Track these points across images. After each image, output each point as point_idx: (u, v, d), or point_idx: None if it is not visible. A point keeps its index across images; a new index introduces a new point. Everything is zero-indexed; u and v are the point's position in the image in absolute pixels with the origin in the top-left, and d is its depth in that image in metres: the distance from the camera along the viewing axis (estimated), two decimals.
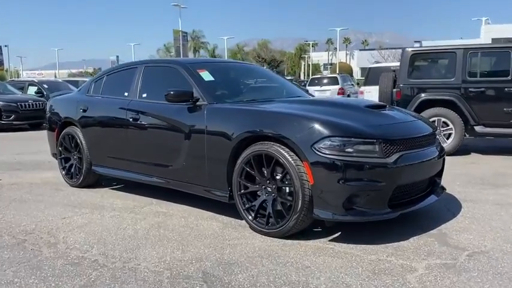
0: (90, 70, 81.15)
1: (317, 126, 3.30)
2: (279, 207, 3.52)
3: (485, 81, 7.33)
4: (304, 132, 3.31)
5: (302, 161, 3.29)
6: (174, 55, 41.38)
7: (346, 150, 3.22)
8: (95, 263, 3.11)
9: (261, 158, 3.54)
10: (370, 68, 11.79)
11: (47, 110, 6.08)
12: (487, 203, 4.46)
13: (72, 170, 5.52)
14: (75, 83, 18.36)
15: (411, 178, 3.48)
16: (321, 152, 3.22)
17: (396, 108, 4.30)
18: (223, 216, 4.11)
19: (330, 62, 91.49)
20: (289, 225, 3.39)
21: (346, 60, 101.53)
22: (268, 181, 3.57)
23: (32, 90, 15.81)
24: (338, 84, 18.62)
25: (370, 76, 11.31)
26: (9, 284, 2.80)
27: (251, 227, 3.67)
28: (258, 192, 3.69)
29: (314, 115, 3.46)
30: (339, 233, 3.59)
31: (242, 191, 3.70)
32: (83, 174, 5.34)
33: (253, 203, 3.66)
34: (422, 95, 7.61)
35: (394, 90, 7.84)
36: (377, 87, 10.12)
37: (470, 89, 7.34)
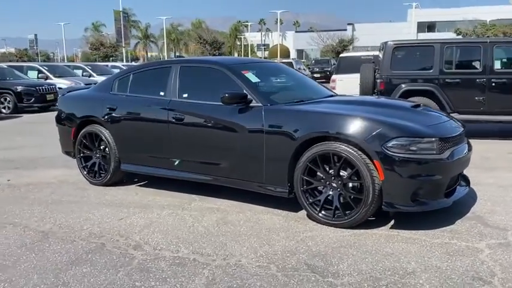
0: (12, 50, 75.28)
1: (386, 128, 3.71)
2: (341, 200, 3.91)
3: (460, 73, 8.14)
4: (374, 134, 3.70)
5: (373, 160, 3.68)
6: (115, 36, 39.84)
7: (411, 148, 3.66)
8: (196, 262, 3.32)
9: (326, 157, 3.89)
10: (341, 57, 12.41)
11: (59, 107, 5.94)
12: (491, 186, 5.14)
13: (96, 168, 5.51)
14: (20, 69, 17.34)
15: (457, 171, 4.01)
16: (390, 151, 3.64)
17: (428, 108, 4.79)
18: (276, 210, 4.42)
19: (263, 42, 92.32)
20: (358, 217, 3.80)
21: (279, 41, 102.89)
22: (333, 177, 3.93)
23: (32, 74, 17.29)
24: (293, 68, 19.10)
25: (342, 65, 11.93)
26: None
27: (316, 220, 4.02)
28: (319, 188, 4.05)
29: (380, 117, 3.86)
30: (392, 221, 4.04)
31: (305, 187, 4.04)
32: (111, 172, 5.36)
33: (317, 198, 4.01)
34: (403, 85, 8.28)
35: (378, 81, 8.45)
36: (349, 75, 10.77)
37: (446, 80, 8.11)
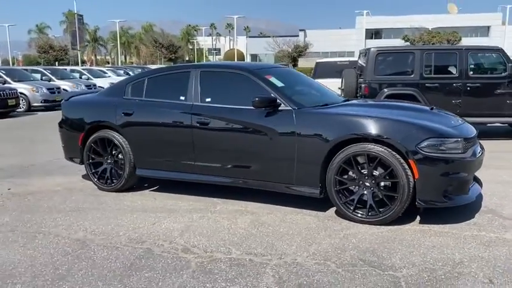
0: None
1: (419, 129, 3.97)
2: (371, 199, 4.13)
3: (438, 78, 8.68)
4: (408, 135, 3.95)
5: (407, 159, 3.92)
6: (69, 39, 38.26)
7: (441, 148, 3.94)
8: (253, 262, 3.40)
9: (359, 157, 4.10)
10: (317, 62, 12.76)
11: (64, 112, 5.78)
12: (491, 183, 5.52)
13: (107, 174, 5.41)
14: None
15: (477, 169, 4.34)
16: (423, 151, 3.90)
17: (443, 111, 5.10)
18: (304, 210, 4.57)
19: (214, 47, 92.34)
20: (392, 214, 4.03)
21: (229, 46, 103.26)
22: (366, 177, 4.14)
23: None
24: None
25: (319, 70, 12.28)
26: None
27: (349, 218, 4.21)
28: (350, 188, 4.24)
29: (411, 120, 4.13)
30: (418, 217, 4.30)
31: (338, 187, 4.22)
32: (125, 178, 5.29)
33: (351, 197, 4.20)
34: (386, 90, 8.70)
35: (363, 85, 8.82)
36: (326, 80, 11.11)
37: (426, 85, 8.62)
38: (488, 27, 59.10)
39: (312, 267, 3.29)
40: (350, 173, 4.23)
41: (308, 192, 4.39)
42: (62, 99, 6.24)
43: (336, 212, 4.43)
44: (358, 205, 4.20)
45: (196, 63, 6.43)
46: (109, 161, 5.44)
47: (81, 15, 36.00)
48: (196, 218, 4.42)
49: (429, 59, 8.68)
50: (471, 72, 8.60)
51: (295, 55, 40.44)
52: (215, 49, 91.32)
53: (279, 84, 4.75)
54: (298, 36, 56.45)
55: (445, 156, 3.94)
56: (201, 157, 4.84)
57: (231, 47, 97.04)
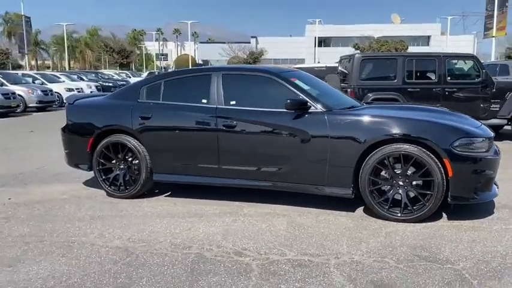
0: None
1: (451, 130, 4.18)
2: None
3: (419, 83, 9.11)
4: (441, 135, 4.14)
5: (442, 158, 4.11)
6: (16, 43, 36.08)
7: (470, 147, 4.17)
8: (312, 262, 3.42)
9: (394, 157, 4.24)
10: (296, 67, 12.94)
11: (70, 116, 5.51)
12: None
13: (121, 180, 5.22)
14: None
15: (498, 168, 4.61)
16: (456, 150, 4.10)
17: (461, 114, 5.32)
18: (333, 211, 4.63)
19: (161, 52, 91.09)
20: (427, 212, 4.20)
21: (177, 51, 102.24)
22: (400, 176, 4.29)
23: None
24: None
25: None
26: None
27: (384, 217, 4.32)
28: (383, 187, 4.38)
29: (443, 121, 4.33)
30: (444, 214, 4.49)
31: (371, 187, 4.34)
32: (141, 183, 5.13)
33: (385, 196, 4.33)
34: (370, 94, 9.01)
35: (348, 90, 9.07)
36: None
37: (408, 89, 9.02)
38: (429, 36, 62.55)
39: (373, 265, 3.37)
40: (383, 172, 4.36)
41: (340, 193, 4.47)
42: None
43: (366, 211, 4.55)
44: (389, 204, 4.33)
45: (215, 66, 6.34)
46: (121, 166, 5.25)
47: (29, 18, 34.20)
48: (230, 222, 4.38)
49: (410, 65, 9.09)
50: (449, 78, 9.09)
51: (251, 61, 40.75)
52: (162, 54, 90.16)
53: (305, 87, 4.82)
54: (250, 43, 56.92)
55: (475, 155, 4.17)
56: (227, 160, 4.79)
57: (179, 53, 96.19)
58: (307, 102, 4.51)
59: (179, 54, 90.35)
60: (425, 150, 4.16)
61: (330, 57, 55.46)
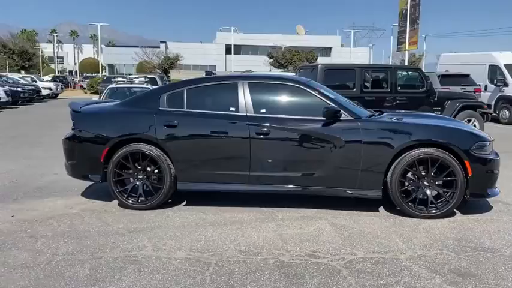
0: None
1: (470, 135, 4.77)
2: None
3: (375, 92, 9.89)
4: (462, 140, 4.69)
5: (463, 160, 4.65)
6: None
7: (483, 150, 4.77)
8: (387, 259, 3.70)
9: (422, 160, 4.70)
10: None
11: (78, 124, 5.16)
12: None
13: (140, 191, 5.04)
14: None
15: None
16: (474, 153, 4.67)
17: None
18: (359, 212, 4.95)
19: (56, 55, 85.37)
20: (451, 208, 4.71)
21: (74, 53, 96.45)
22: (425, 177, 4.76)
23: None
24: (158, 85, 18.93)
25: None
26: None
27: (413, 215, 4.73)
28: (408, 188, 4.82)
29: (462, 127, 4.88)
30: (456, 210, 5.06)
31: (401, 188, 4.75)
32: (164, 193, 5.00)
33: (413, 196, 4.77)
34: None
35: None
36: None
37: (365, 98, 9.73)
38: (330, 48, 66.66)
39: (439, 257, 3.74)
40: (409, 174, 4.80)
41: (370, 195, 4.81)
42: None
43: (388, 210, 4.94)
44: (416, 203, 4.78)
45: (239, 74, 6.32)
46: (140, 176, 5.07)
47: None
48: (274, 227, 4.48)
49: (367, 76, 9.84)
50: (399, 88, 10.01)
51: (167, 66, 40.01)
52: (58, 57, 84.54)
53: (331, 95, 5.09)
54: (159, 47, 55.75)
55: (486, 156, 4.78)
56: (259, 167, 4.88)
57: (77, 56, 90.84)
58: (339, 110, 4.79)
59: (79, 58, 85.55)
60: (449, 153, 4.67)
61: (241, 64, 56.89)
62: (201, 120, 4.97)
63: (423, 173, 4.77)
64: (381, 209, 5.06)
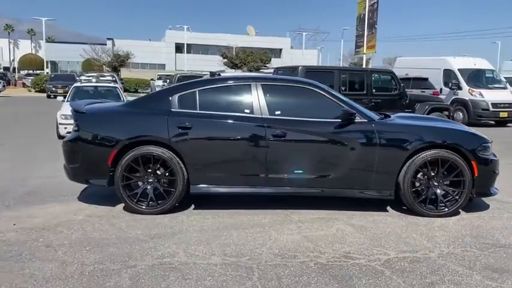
0: None
1: (475, 137, 5.02)
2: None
3: (352, 94, 10.12)
4: (469, 142, 4.93)
5: (470, 161, 4.88)
6: None
7: (486, 151, 5.04)
8: (419, 258, 3.81)
9: (432, 161, 4.89)
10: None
11: (84, 126, 4.90)
12: None
13: (151, 195, 4.87)
14: None
15: None
16: (480, 154, 4.92)
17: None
18: (371, 212, 5.07)
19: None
20: (459, 206, 4.93)
21: (9, 49, 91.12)
22: (435, 177, 4.95)
23: None
24: (117, 83, 18.26)
25: None
26: None
27: (425, 214, 4.90)
28: (418, 188, 4.99)
29: (469, 130, 5.11)
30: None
31: (413, 188, 4.91)
32: (176, 197, 4.86)
33: (423, 196, 4.94)
34: None
35: None
36: None
37: None
38: (281, 49, 67.46)
39: (466, 254, 3.91)
40: (419, 175, 4.97)
41: (382, 195, 4.94)
42: None
43: (397, 210, 5.10)
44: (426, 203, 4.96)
45: (251, 75, 6.19)
46: (150, 180, 4.89)
47: None
48: (296, 229, 4.49)
49: (345, 78, 10.08)
50: (374, 90, 10.34)
51: (117, 64, 38.72)
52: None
53: (344, 98, 5.17)
54: (106, 44, 53.85)
55: (488, 157, 5.05)
56: (275, 169, 4.87)
57: (12, 51, 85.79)
58: (355, 112, 4.88)
59: (15, 53, 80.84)
60: (457, 154, 4.89)
61: (193, 64, 56.23)
62: (215, 122, 4.88)
63: (432, 174, 4.96)
64: (389, 208, 5.20)
